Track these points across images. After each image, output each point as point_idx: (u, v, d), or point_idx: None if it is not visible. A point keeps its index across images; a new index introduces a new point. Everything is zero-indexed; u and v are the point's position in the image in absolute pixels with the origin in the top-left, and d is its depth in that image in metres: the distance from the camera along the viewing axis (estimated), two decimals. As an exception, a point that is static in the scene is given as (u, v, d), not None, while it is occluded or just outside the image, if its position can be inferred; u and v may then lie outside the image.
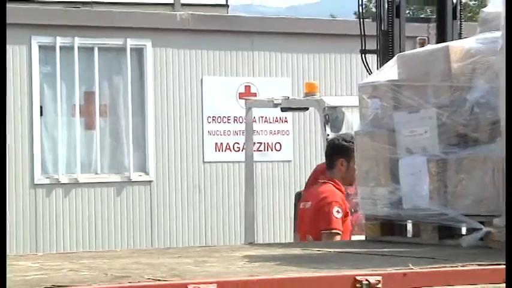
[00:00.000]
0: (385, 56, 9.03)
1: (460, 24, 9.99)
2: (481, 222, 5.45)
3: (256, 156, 12.17)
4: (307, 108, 11.60)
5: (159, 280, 4.08)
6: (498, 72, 5.45)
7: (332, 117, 10.37)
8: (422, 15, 11.47)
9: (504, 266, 4.28)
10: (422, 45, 9.27)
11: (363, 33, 10.48)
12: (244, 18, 17.43)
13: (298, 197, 11.20)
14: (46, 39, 14.52)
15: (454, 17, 10.21)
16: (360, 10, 10.69)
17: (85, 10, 16.65)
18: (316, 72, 14.62)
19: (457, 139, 5.80)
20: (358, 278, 4.04)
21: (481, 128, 5.69)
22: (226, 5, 21.27)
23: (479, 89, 5.71)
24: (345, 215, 8.04)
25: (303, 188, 11.21)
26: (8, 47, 13.46)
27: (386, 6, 9.94)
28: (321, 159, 11.11)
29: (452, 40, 8.33)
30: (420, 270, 4.28)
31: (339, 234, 7.84)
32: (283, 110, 11.99)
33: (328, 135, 10.29)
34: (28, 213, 14.26)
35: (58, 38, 14.51)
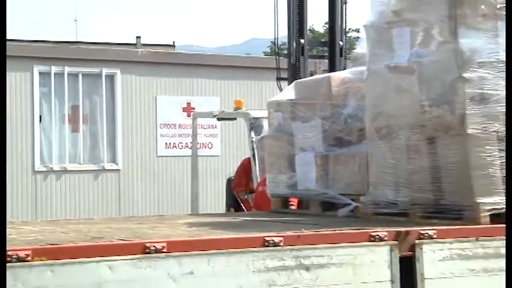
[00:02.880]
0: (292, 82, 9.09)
1: (345, 60, 10.12)
2: (352, 199, 5.42)
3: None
4: (235, 118, 11.65)
5: (124, 240, 4.01)
6: (364, 94, 5.43)
7: (255, 125, 10.36)
8: (319, 54, 11.56)
9: (367, 230, 4.25)
10: (311, 74, 9.31)
11: (278, 66, 10.59)
12: (186, 55, 17.59)
13: (229, 181, 11.28)
14: (44, 68, 14.44)
15: (341, 55, 10.37)
16: (276, 50, 10.86)
17: (73, 47, 16.72)
18: (237, 93, 14.70)
19: (335, 141, 5.77)
20: (266, 238, 3.94)
21: (352, 134, 5.65)
22: (173, 45, 21.44)
23: (351, 106, 5.68)
24: None
25: (231, 175, 11.37)
26: (15, 73, 13.62)
27: (294, 45, 10.06)
28: (244, 154, 11.20)
29: (340, 71, 8.38)
30: (309, 233, 4.17)
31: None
32: (219, 119, 11.99)
33: (253, 138, 10.40)
34: (30, 192, 14.21)
35: (53, 67, 14.49)
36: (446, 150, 4.73)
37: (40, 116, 14.47)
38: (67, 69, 14.60)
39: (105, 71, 14.87)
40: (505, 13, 4.69)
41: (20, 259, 3.47)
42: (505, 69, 4.70)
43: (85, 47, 17.81)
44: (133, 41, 21.86)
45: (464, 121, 4.60)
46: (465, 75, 4.62)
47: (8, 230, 3.85)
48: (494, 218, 4.57)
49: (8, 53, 4.38)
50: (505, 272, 4.28)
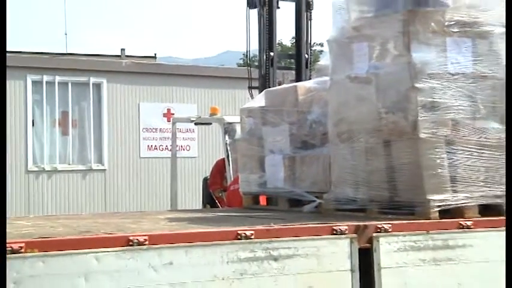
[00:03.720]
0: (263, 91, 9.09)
1: (310, 71, 10.15)
2: (316, 197, 5.41)
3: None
4: (211, 123, 11.62)
5: (109, 233, 4.00)
6: (327, 102, 5.43)
7: (229, 129, 10.34)
8: (286, 65, 11.58)
9: (329, 224, 4.23)
10: (279, 84, 9.32)
11: (249, 76, 10.60)
12: (166, 65, 17.46)
13: (205, 180, 11.26)
14: (36, 77, 14.29)
15: (306, 67, 10.39)
16: (248, 61, 10.87)
17: (63, 58, 16.60)
18: (213, 100, 14.68)
19: (301, 144, 5.77)
20: (239, 232, 3.94)
21: (316, 137, 5.65)
22: (154, 57, 21.37)
23: (315, 113, 5.68)
24: None
25: (206, 174, 11.35)
26: (10, 82, 13.50)
27: (264, 58, 10.07)
28: (219, 156, 11.20)
29: (306, 81, 8.40)
30: (278, 227, 4.17)
31: None
32: (196, 124, 11.99)
33: (227, 141, 10.38)
34: (23, 190, 14.06)
35: (44, 76, 14.34)
36: (401, 152, 4.75)
37: (33, 121, 14.34)
38: (58, 78, 14.49)
39: (92, 80, 14.77)
40: (453, 30, 4.72)
41: (14, 251, 3.47)
42: (454, 80, 4.72)
43: (74, 58, 17.69)
44: (118, 53, 21.69)
45: (417, 126, 4.62)
46: (417, 85, 4.64)
47: (3, 225, 3.83)
48: (443, 213, 4.59)
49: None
50: (454, 262, 4.35)
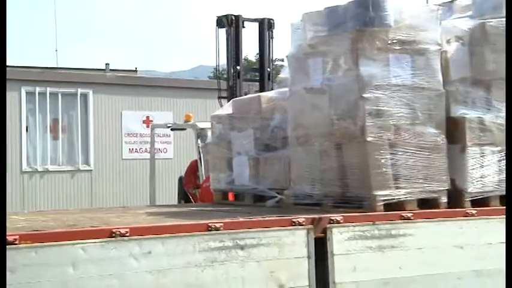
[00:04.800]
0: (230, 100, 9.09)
1: (272, 83, 10.18)
2: (277, 193, 5.39)
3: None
4: (185, 129, 11.59)
5: (95, 226, 3.97)
6: (287, 110, 5.41)
7: (201, 134, 10.30)
8: (251, 78, 11.60)
9: (289, 217, 4.22)
10: (245, 94, 9.32)
11: (219, 87, 10.60)
12: (146, 78, 17.51)
13: (180, 179, 11.22)
14: (30, 89, 14.21)
15: (269, 79, 10.42)
16: (218, 74, 10.88)
17: (53, 72, 16.44)
18: (187, 109, 14.63)
19: (264, 147, 5.77)
20: (209, 224, 3.94)
21: (277, 141, 5.65)
22: (135, 70, 21.27)
23: (277, 119, 5.68)
24: None
25: (181, 174, 11.31)
26: (7, 93, 13.27)
27: (232, 71, 10.07)
28: (192, 157, 11.14)
29: (268, 91, 8.38)
30: (244, 220, 4.20)
31: None
32: (172, 129, 11.93)
33: (199, 144, 10.35)
34: (18, 189, 13.95)
35: (37, 87, 14.28)
36: (350, 153, 4.76)
37: (27, 127, 14.25)
38: (49, 90, 14.40)
39: (80, 91, 14.69)
40: (395, 47, 4.74)
41: (9, 243, 3.44)
42: (396, 90, 4.72)
43: (63, 72, 17.55)
44: (103, 67, 21.56)
45: (364, 131, 4.64)
46: (364, 95, 4.66)
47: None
48: (387, 206, 4.61)
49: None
50: (396, 248, 4.37)
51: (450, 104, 4.95)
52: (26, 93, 14.28)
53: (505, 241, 4.16)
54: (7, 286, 3.36)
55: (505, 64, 4.74)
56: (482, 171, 4.92)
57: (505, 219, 4.30)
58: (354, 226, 4.30)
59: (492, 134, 4.97)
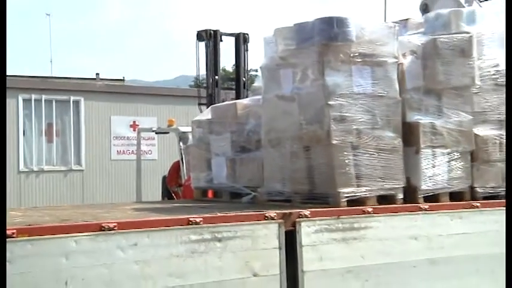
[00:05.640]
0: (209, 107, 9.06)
1: (247, 91, 10.18)
2: (252, 190, 5.36)
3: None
4: (168, 132, 11.55)
5: (86, 221, 3.93)
6: (260, 115, 5.39)
7: (183, 137, 10.26)
8: (229, 86, 11.63)
9: (262, 212, 4.19)
10: (223, 101, 9.32)
11: (199, 95, 10.60)
12: (132, 86, 17.49)
13: (164, 178, 11.19)
14: (26, 96, 14.13)
15: (244, 88, 10.43)
16: (198, 83, 10.89)
17: (48, 81, 16.30)
18: (170, 114, 14.61)
19: (240, 149, 5.72)
20: (190, 219, 3.92)
21: (252, 143, 5.63)
22: (123, 80, 21.24)
23: (251, 124, 5.65)
24: None
25: (165, 173, 11.27)
26: (6, 100, 13.16)
27: (211, 80, 10.07)
28: (175, 158, 11.13)
29: (244, 99, 8.34)
30: (221, 215, 4.16)
31: None
32: (156, 133, 11.93)
33: (181, 146, 10.33)
34: (16, 187, 13.86)
35: (33, 95, 14.21)
36: (317, 155, 4.77)
37: (24, 131, 14.17)
38: (44, 97, 14.35)
39: (72, 98, 14.64)
40: (357, 59, 4.77)
41: (8, 236, 3.42)
42: (357, 98, 4.74)
43: (57, 80, 17.42)
44: (94, 76, 21.46)
45: (330, 135, 4.65)
46: (330, 102, 4.67)
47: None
48: (350, 202, 4.63)
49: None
50: (358, 240, 4.38)
51: (406, 111, 4.99)
52: (23, 100, 14.18)
53: (505, 242, 4.17)
54: (7, 275, 3.33)
55: (505, 64, 4.68)
56: (433, 171, 4.98)
57: (505, 219, 4.25)
58: (320, 220, 4.31)
59: (443, 138, 5.03)
